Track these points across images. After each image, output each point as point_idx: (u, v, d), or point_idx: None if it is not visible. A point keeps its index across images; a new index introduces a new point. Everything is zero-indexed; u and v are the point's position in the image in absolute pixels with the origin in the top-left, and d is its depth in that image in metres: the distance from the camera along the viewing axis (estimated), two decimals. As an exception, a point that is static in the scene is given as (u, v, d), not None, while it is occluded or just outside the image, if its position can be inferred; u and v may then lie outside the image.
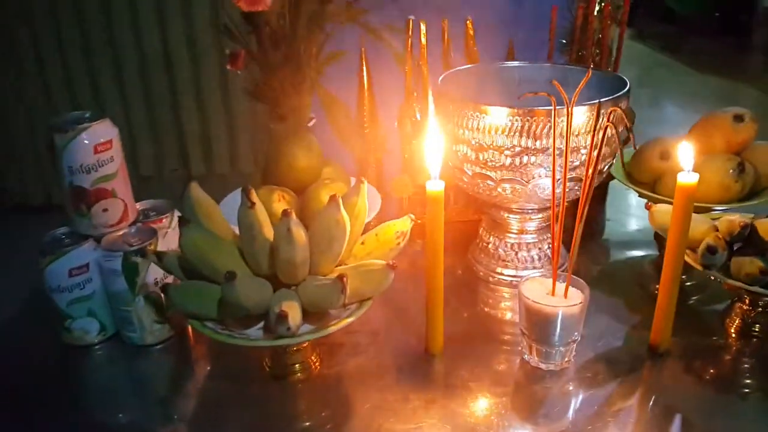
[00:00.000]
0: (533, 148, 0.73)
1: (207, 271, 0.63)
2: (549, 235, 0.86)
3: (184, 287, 0.63)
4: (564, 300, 0.68)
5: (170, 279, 0.75)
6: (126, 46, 2.39)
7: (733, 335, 0.76)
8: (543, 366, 0.70)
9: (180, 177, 2.50)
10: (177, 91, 2.48)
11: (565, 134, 0.71)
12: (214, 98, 2.50)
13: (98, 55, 2.39)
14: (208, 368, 0.74)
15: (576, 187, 0.77)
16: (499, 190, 0.78)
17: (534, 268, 0.86)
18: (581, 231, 0.65)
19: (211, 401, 0.69)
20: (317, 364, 0.72)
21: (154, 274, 0.73)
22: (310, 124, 0.99)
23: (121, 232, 0.75)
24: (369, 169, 1.10)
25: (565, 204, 0.67)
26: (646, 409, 0.65)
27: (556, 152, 0.73)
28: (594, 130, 0.67)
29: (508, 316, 0.82)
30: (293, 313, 0.60)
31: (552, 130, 0.69)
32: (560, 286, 0.69)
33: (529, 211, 0.83)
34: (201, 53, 2.43)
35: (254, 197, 0.72)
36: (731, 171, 0.83)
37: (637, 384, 0.69)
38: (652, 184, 0.92)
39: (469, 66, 0.90)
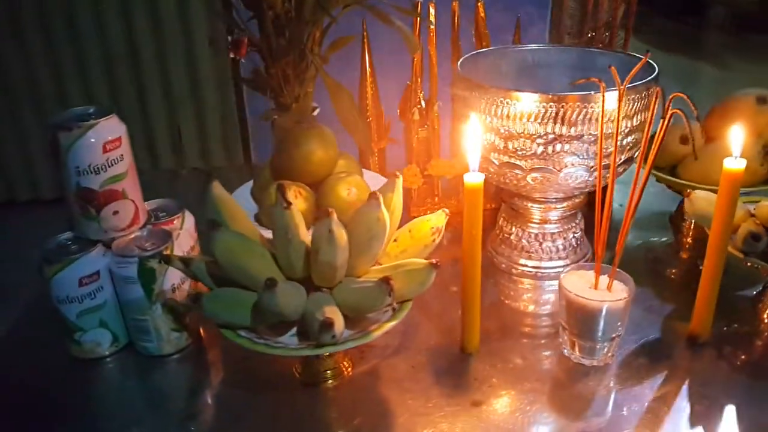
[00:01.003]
0: (567, 135, 0.70)
1: (240, 277, 0.59)
2: (574, 224, 0.84)
3: (217, 296, 0.58)
4: (609, 294, 0.66)
5: (186, 285, 0.71)
6: (90, 38, 2.29)
7: (765, 319, 0.75)
8: (586, 362, 0.68)
9: (152, 172, 2.40)
10: (144, 83, 2.38)
11: (608, 120, 0.68)
12: (182, 90, 2.41)
13: (62, 48, 2.28)
14: (231, 377, 0.70)
15: (607, 175, 0.75)
16: (528, 179, 0.75)
17: (559, 258, 0.83)
18: (631, 221, 0.63)
19: (236, 413, 0.65)
20: (349, 369, 0.68)
21: (171, 279, 0.68)
22: (315, 113, 0.95)
23: (132, 236, 0.70)
24: (372, 160, 1.06)
25: (612, 191, 0.65)
26: (695, 402, 0.64)
27: (590, 138, 0.71)
28: (652, 114, 0.64)
29: (534, 308, 0.80)
30: (338, 319, 0.56)
31: (600, 116, 0.66)
32: (602, 279, 0.67)
33: (553, 200, 0.81)
34: (168, 43, 2.33)
35: (290, 197, 0.67)
36: (758, 154, 0.81)
37: (682, 376, 0.67)
38: (670, 169, 0.91)
39: (487, 49, 0.87)
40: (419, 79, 0.99)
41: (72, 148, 0.63)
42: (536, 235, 0.83)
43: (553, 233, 0.83)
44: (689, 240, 0.94)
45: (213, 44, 2.31)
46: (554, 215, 0.83)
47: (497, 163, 0.75)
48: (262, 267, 0.59)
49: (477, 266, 0.66)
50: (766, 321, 0.75)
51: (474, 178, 0.62)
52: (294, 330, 0.63)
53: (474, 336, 0.69)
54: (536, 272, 0.83)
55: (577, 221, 0.84)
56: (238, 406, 0.65)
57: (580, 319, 0.66)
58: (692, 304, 0.70)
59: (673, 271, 0.89)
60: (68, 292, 0.67)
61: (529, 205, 0.83)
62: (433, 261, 0.60)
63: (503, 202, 0.88)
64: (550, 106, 0.69)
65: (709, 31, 5.12)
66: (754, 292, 0.79)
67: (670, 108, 0.57)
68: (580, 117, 0.69)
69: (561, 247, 0.83)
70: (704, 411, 0.63)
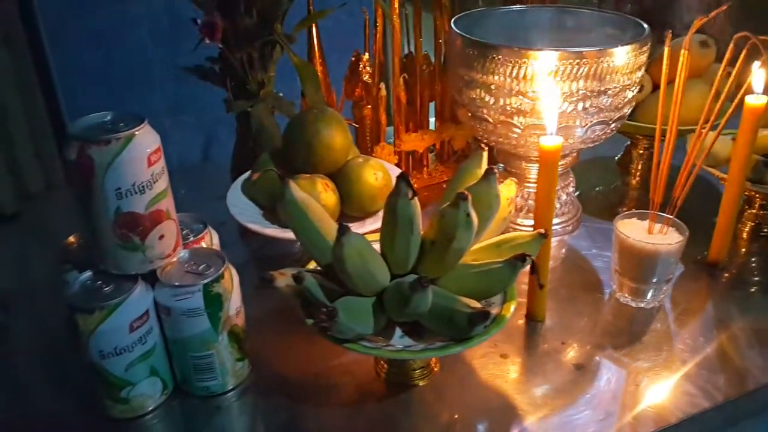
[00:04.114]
0: (596, 91, 0.72)
1: (363, 282, 0.53)
2: (569, 180, 0.87)
3: (348, 307, 0.51)
4: (665, 237, 0.70)
5: (243, 306, 0.62)
6: None
7: (745, 237, 0.85)
8: (644, 305, 0.72)
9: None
10: None
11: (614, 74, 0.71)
12: None
13: None
14: (305, 397, 0.62)
15: (603, 129, 0.78)
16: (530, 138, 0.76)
17: (563, 214, 0.86)
18: (696, 170, 0.67)
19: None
20: (436, 364, 0.64)
21: (234, 303, 0.59)
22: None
23: (174, 260, 0.59)
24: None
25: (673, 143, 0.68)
26: (739, 321, 0.70)
27: (593, 95, 0.72)
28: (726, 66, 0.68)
29: (557, 265, 0.81)
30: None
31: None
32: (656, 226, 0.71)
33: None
34: None
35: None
36: (708, 93, 0.90)
37: (723, 299, 0.74)
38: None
39: (471, 12, 0.86)
40: (366, 54, 0.94)
41: (112, 167, 0.51)
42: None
43: (558, 191, 0.85)
44: (637, 180, 1.02)
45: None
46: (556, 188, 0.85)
47: (522, 127, 0.75)
48: (381, 268, 0.54)
49: (549, 237, 0.65)
50: (745, 238, 0.85)
51: (551, 141, 0.61)
52: (400, 331, 0.58)
53: (543, 302, 0.69)
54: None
55: (571, 177, 0.87)
56: (322, 427, 0.59)
57: (642, 264, 0.69)
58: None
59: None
60: (117, 343, 0.55)
61: (526, 165, 0.84)
62: (542, 231, 0.59)
63: (495, 164, 0.88)
64: (585, 63, 0.70)
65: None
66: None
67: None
68: (605, 72, 0.71)
69: (564, 202, 0.86)
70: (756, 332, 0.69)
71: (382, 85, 0.93)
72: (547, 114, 0.61)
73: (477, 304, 0.53)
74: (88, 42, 2.14)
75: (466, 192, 0.51)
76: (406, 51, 0.97)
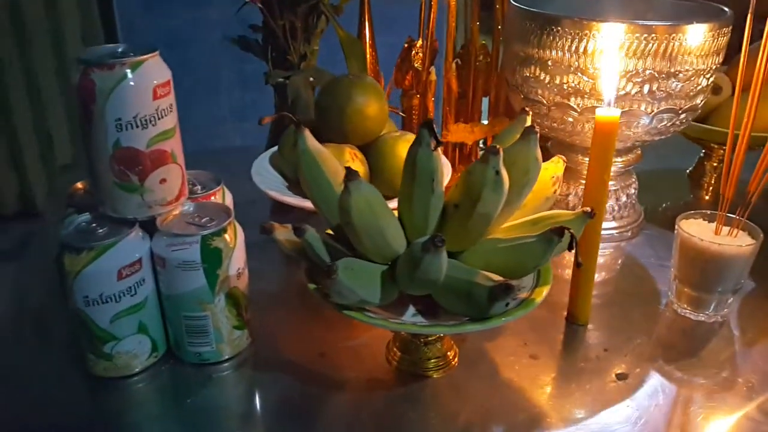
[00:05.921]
0: (666, 72, 0.64)
1: (372, 241, 0.46)
2: (631, 180, 0.78)
3: (350, 267, 0.45)
4: (735, 239, 0.61)
5: (247, 270, 0.56)
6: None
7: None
8: (704, 318, 0.62)
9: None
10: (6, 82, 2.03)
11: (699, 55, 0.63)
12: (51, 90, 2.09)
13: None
14: (308, 377, 0.56)
15: (671, 119, 0.69)
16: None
17: (621, 217, 0.78)
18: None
19: (328, 420, 0.52)
20: (455, 358, 0.57)
21: (236, 263, 0.54)
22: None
23: (176, 212, 0.54)
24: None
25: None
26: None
27: (661, 76, 0.64)
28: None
29: (609, 274, 0.73)
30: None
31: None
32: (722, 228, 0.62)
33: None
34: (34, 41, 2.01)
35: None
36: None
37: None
38: (703, 119, 0.88)
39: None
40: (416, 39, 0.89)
41: (113, 93, 0.47)
42: (596, 193, 0.77)
43: (616, 191, 0.77)
44: (710, 195, 0.92)
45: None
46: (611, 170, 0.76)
47: (579, 109, 0.67)
48: (395, 230, 0.47)
49: (599, 222, 0.58)
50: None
51: (608, 113, 0.54)
52: (413, 309, 0.51)
53: (587, 304, 0.61)
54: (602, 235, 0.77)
55: (633, 178, 0.79)
56: (322, 410, 0.53)
57: (706, 269, 0.60)
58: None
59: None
60: (103, 290, 0.50)
61: (581, 158, 0.76)
62: (587, 209, 0.51)
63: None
64: (654, 38, 0.62)
65: None
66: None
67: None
68: (676, 51, 0.63)
69: (623, 205, 0.77)
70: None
71: (432, 69, 0.88)
72: (606, 82, 0.54)
73: (500, 279, 0.45)
74: (162, 42, 2.18)
75: (498, 146, 0.44)
76: (462, 41, 0.91)
